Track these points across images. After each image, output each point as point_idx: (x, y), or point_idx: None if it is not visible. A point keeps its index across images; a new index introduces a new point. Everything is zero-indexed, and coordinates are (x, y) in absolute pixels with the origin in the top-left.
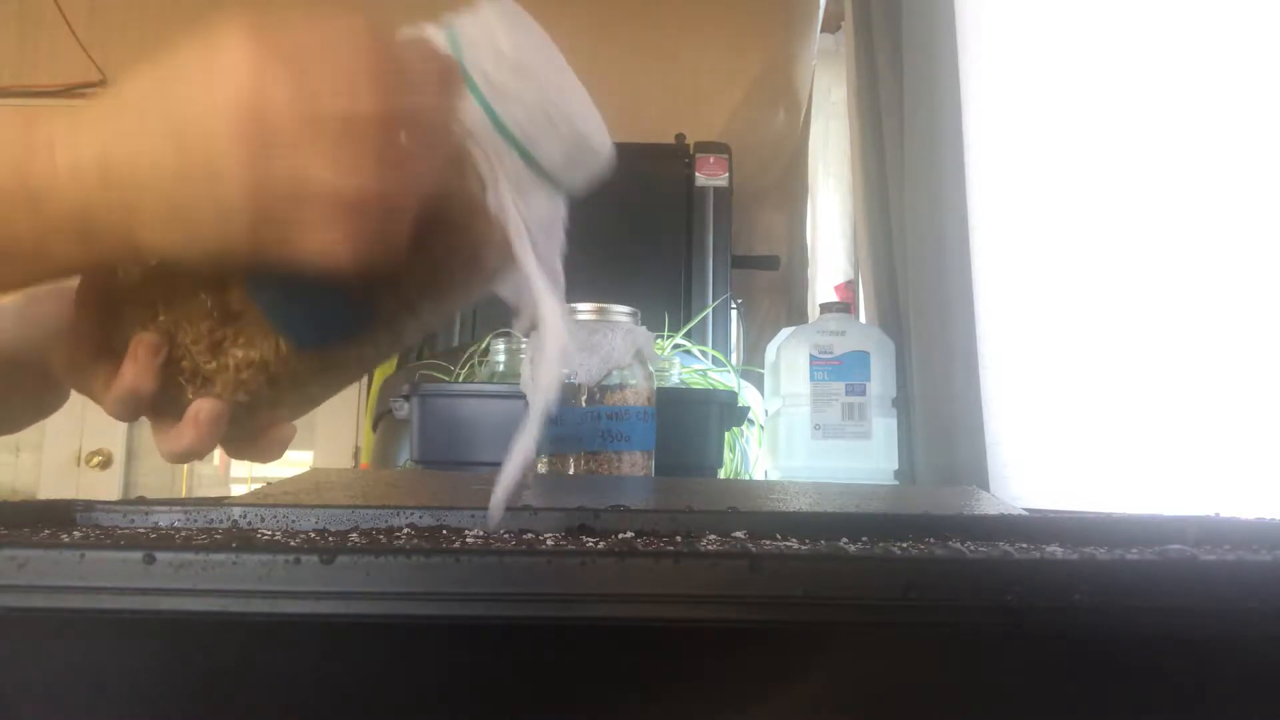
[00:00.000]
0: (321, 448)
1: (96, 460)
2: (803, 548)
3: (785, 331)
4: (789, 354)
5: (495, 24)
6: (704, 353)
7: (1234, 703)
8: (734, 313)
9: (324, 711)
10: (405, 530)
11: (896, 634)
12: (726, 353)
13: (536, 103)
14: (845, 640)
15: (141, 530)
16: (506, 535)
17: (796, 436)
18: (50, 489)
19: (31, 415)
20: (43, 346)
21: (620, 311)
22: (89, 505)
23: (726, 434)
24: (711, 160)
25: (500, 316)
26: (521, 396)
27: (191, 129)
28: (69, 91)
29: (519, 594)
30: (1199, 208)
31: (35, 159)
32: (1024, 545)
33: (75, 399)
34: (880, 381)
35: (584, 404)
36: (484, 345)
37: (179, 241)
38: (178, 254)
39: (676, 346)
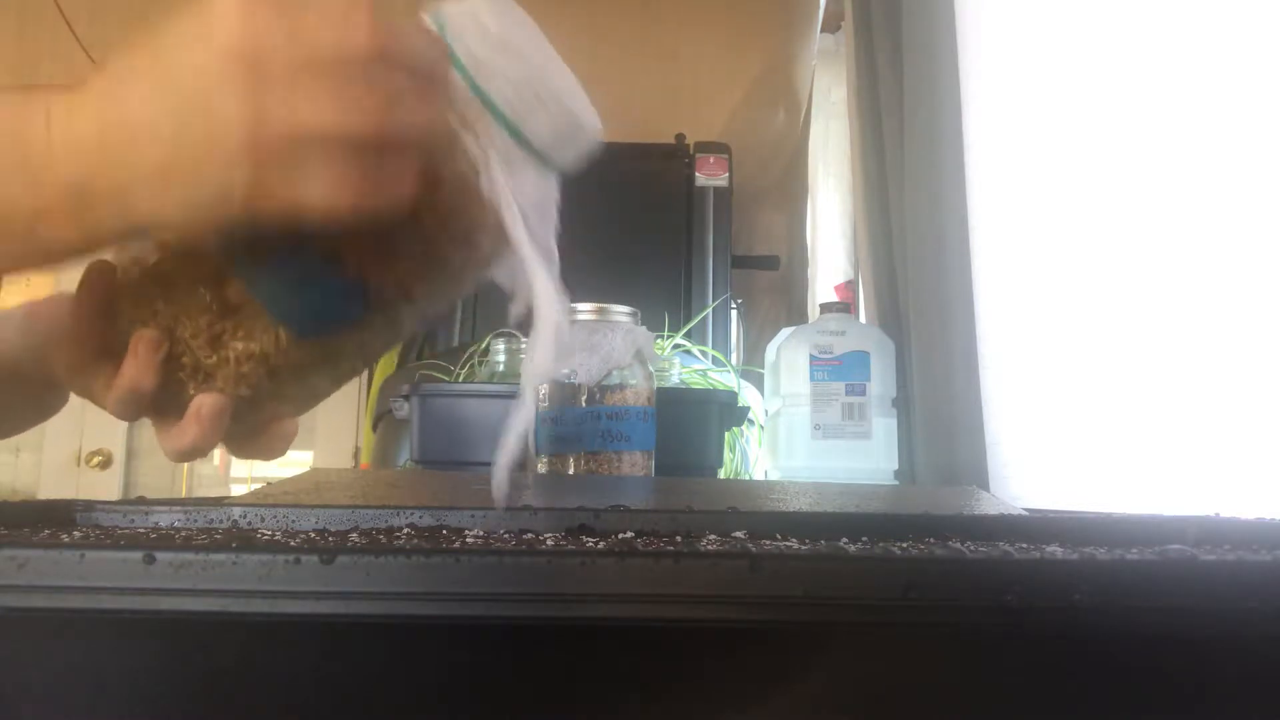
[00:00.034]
0: (321, 448)
1: (96, 460)
2: (803, 548)
3: (785, 331)
4: (789, 354)
5: (481, 7)
6: (704, 353)
7: (1234, 703)
8: (734, 313)
9: (324, 711)
10: (405, 530)
11: (896, 634)
12: (726, 353)
13: (524, 80)
14: (845, 640)
15: (141, 530)
16: (506, 535)
17: (796, 436)
18: (50, 489)
19: (30, 420)
20: (44, 352)
21: (620, 311)
22: (89, 505)
23: (726, 434)
24: (711, 160)
25: (500, 316)
26: None
27: (186, 83)
28: None
29: (519, 594)
30: (1199, 208)
31: (31, 129)
32: (1024, 545)
33: (75, 399)
34: (880, 381)
35: (584, 404)
36: (484, 345)
37: (178, 204)
38: (177, 221)
39: (676, 346)
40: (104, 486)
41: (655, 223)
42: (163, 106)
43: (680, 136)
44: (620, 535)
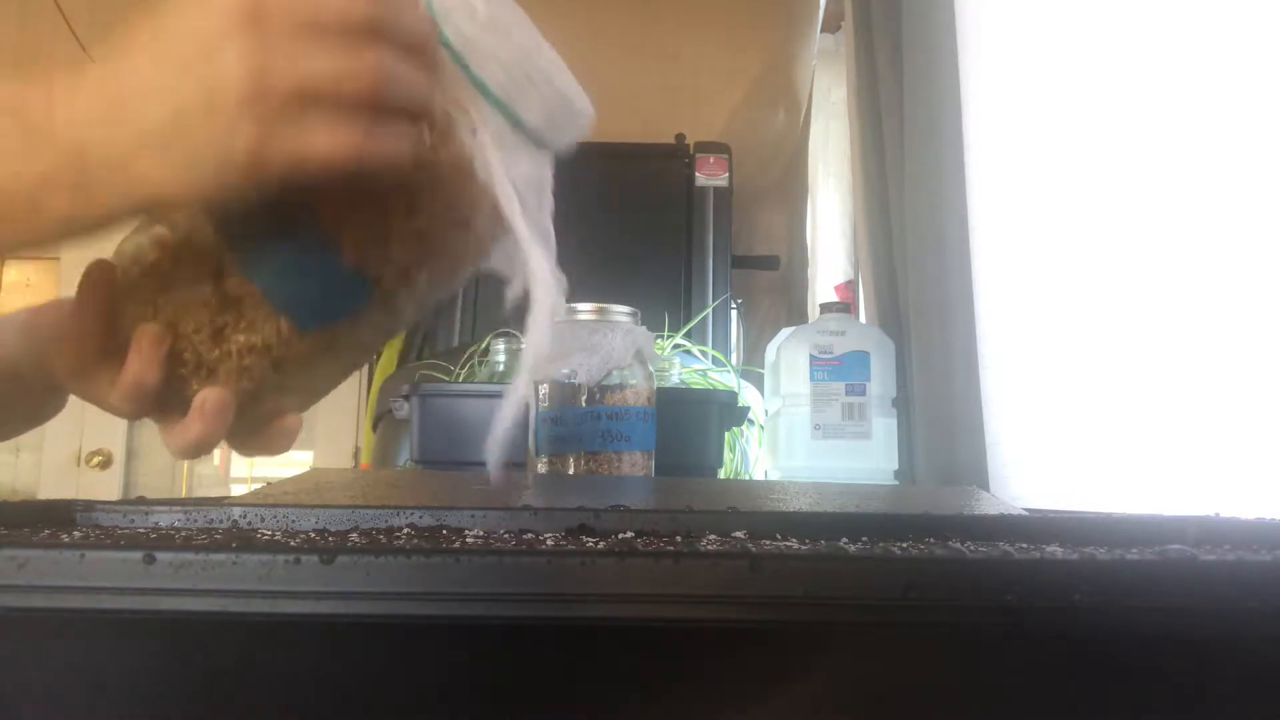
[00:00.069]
0: (321, 448)
1: (96, 460)
2: (803, 548)
3: (785, 331)
4: (789, 354)
5: None
6: (704, 353)
7: (1234, 703)
8: (734, 313)
9: (324, 711)
10: (405, 530)
11: (896, 634)
12: (726, 353)
13: (514, 61)
14: (845, 640)
15: (141, 530)
16: (506, 535)
17: (796, 436)
18: (50, 489)
19: (28, 425)
20: (46, 356)
21: (620, 311)
22: (89, 505)
23: (726, 434)
24: (711, 160)
25: (500, 317)
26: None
27: (187, 46)
28: None
29: (519, 594)
30: (1199, 208)
31: (33, 102)
32: (1024, 545)
33: (75, 399)
34: (880, 381)
35: (584, 404)
36: (484, 345)
37: (180, 166)
38: (179, 185)
39: (676, 346)
40: (104, 486)
41: (655, 223)
42: (164, 70)
43: (680, 136)
44: (620, 535)
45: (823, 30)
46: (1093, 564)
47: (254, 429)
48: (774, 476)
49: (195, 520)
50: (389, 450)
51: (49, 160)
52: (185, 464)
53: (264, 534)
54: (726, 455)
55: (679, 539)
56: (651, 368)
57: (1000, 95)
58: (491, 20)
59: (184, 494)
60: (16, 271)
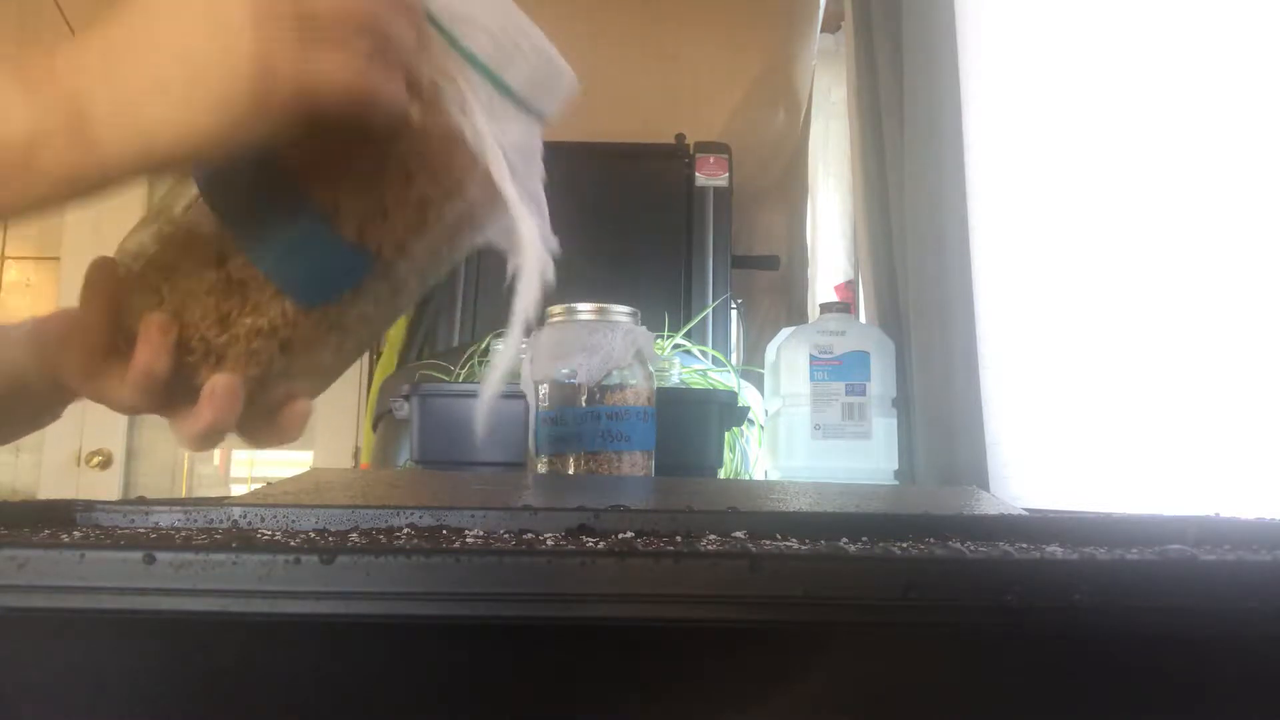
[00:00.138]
0: (321, 448)
1: (96, 460)
2: (803, 548)
3: (785, 331)
4: (789, 354)
5: None
6: (704, 353)
7: (1234, 703)
8: (734, 313)
9: (324, 711)
10: (405, 530)
11: (896, 634)
12: (726, 353)
13: (500, 29)
14: (845, 640)
15: (141, 530)
16: (506, 535)
17: (796, 436)
18: (50, 489)
19: (28, 429)
20: (54, 361)
21: (620, 311)
22: (89, 505)
23: (726, 434)
24: (711, 160)
25: (500, 317)
26: (521, 396)
27: None
28: None
29: (519, 594)
30: (1199, 208)
31: (33, 58)
32: (1024, 545)
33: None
34: (880, 381)
35: (584, 404)
36: (484, 345)
37: (185, 108)
38: (180, 130)
39: (676, 346)
40: (104, 486)
41: (655, 223)
42: (167, 14)
43: (680, 136)
44: (620, 535)
45: (823, 30)
46: (1093, 564)
47: (265, 417)
48: (774, 476)
49: (195, 520)
50: (389, 450)
51: (46, 110)
52: (185, 464)
53: (264, 534)
54: (726, 455)
55: (679, 539)
56: (651, 368)
57: (1000, 95)
58: None
59: (184, 494)
60: (17, 271)
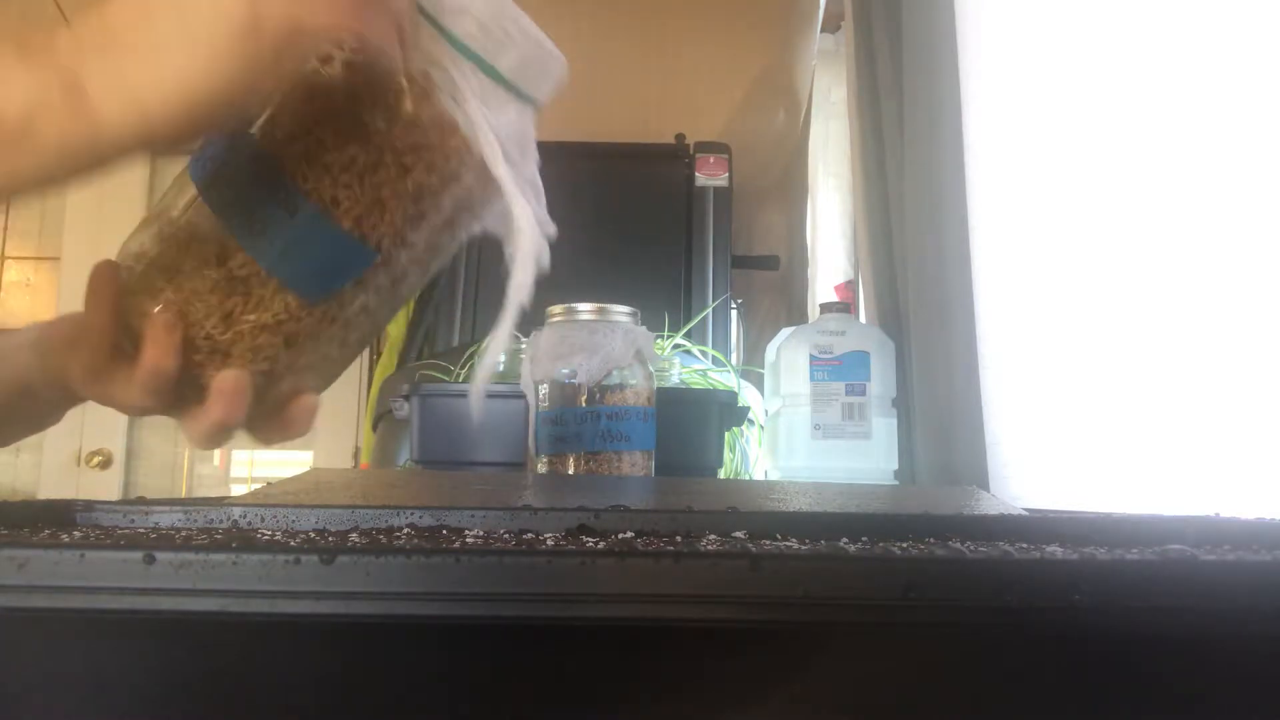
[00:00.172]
0: (321, 448)
1: (96, 460)
2: (803, 548)
3: (785, 331)
4: (789, 354)
5: None
6: (704, 353)
7: (1234, 703)
8: (734, 313)
9: (324, 711)
10: (405, 530)
11: (896, 634)
12: (726, 353)
13: (489, 16)
14: (845, 640)
15: (141, 530)
16: (506, 535)
17: (796, 436)
18: (50, 489)
19: (29, 432)
20: (60, 366)
21: (620, 311)
22: (89, 505)
23: (726, 434)
24: (711, 160)
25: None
26: (521, 396)
27: None
28: None
29: (519, 594)
30: (1199, 208)
31: (33, 38)
32: (1024, 545)
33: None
34: (880, 381)
35: (584, 404)
36: (484, 345)
37: (178, 70)
38: (179, 95)
39: (676, 346)
40: (104, 486)
41: (655, 223)
42: None
43: (680, 136)
44: (620, 535)
45: (823, 30)
46: (1093, 564)
47: (273, 412)
48: (774, 476)
49: (195, 520)
50: (389, 450)
51: (43, 83)
52: (185, 464)
53: (264, 534)
54: (726, 455)
55: (679, 539)
56: (651, 368)
57: (1000, 95)
58: None
59: (184, 494)
60: (16, 271)
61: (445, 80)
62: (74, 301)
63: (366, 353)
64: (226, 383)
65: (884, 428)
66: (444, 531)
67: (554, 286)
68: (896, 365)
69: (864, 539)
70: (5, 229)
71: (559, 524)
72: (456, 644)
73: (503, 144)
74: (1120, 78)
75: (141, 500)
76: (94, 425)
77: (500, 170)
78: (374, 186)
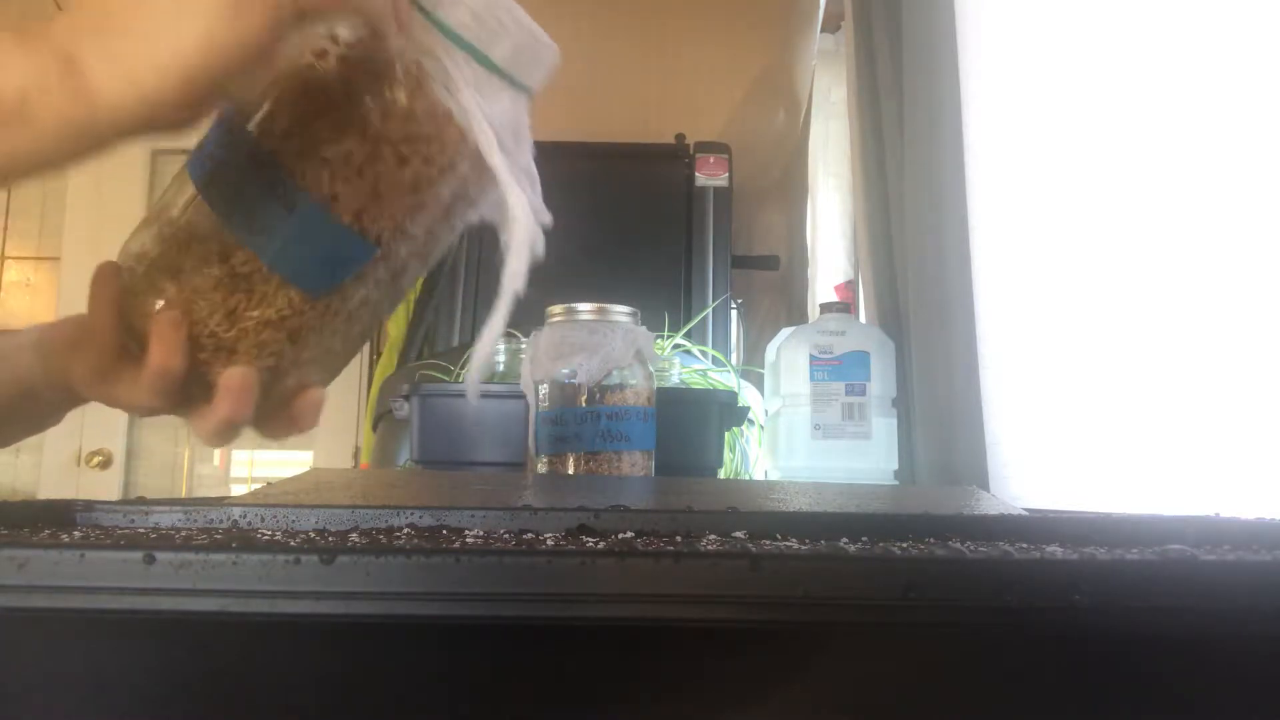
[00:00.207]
0: (321, 448)
1: (96, 460)
2: (803, 548)
3: (785, 331)
4: (789, 354)
5: None
6: (704, 353)
7: (1234, 703)
8: (734, 313)
9: (324, 711)
10: (405, 530)
11: (896, 634)
12: (726, 353)
13: (482, 5)
14: (845, 640)
15: (141, 530)
16: (506, 535)
17: (796, 436)
18: (50, 489)
19: (29, 433)
20: (63, 368)
21: (620, 311)
22: (89, 505)
23: (726, 434)
24: (711, 160)
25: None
26: (521, 396)
27: None
28: None
29: (519, 594)
30: (1199, 208)
31: (32, 26)
32: (1024, 545)
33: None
34: (880, 381)
35: (584, 404)
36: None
37: (173, 44)
38: (174, 69)
39: (676, 346)
40: (104, 486)
41: (655, 223)
42: None
43: (680, 136)
44: (620, 535)
45: (823, 30)
46: (1093, 564)
47: (280, 407)
48: (774, 476)
49: (195, 520)
50: (389, 450)
51: (40, 64)
52: (185, 464)
53: (264, 534)
54: (726, 455)
55: (679, 539)
56: (651, 368)
57: (1000, 95)
58: None
59: (184, 494)
60: (16, 271)
61: (439, 70)
62: (74, 302)
63: (366, 352)
64: (233, 379)
65: (884, 428)
66: (444, 531)
67: (554, 286)
68: (896, 365)
69: (864, 539)
70: (5, 229)
71: (559, 524)
72: (456, 644)
73: (497, 133)
74: (1120, 78)
75: (141, 500)
76: (94, 425)
77: (495, 159)
78: (372, 179)
